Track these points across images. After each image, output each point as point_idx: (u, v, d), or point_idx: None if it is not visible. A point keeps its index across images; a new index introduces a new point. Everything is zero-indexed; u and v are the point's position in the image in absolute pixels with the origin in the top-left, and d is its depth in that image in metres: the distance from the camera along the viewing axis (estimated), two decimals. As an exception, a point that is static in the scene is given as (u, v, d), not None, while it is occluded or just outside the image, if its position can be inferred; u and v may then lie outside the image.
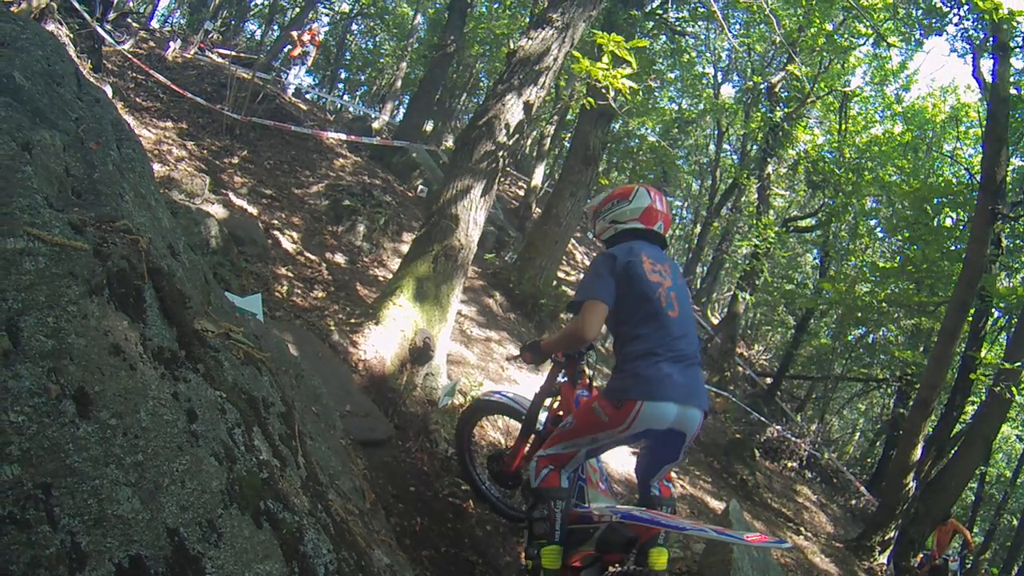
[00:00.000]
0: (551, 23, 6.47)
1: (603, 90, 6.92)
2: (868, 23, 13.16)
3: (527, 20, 18.31)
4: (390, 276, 7.74)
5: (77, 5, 11.57)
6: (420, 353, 5.95)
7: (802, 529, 10.66)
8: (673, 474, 6.04)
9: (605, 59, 6.68)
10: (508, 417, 4.94)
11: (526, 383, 8.20)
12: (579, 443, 3.46)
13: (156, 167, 8.73)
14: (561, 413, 4.06)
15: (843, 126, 18.70)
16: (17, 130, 2.14)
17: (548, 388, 4.30)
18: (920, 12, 13.84)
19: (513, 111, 6.16)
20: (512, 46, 6.57)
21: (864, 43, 16.45)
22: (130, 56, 13.53)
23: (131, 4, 29.13)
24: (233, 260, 6.79)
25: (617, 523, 3.29)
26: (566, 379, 4.16)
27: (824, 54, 16.36)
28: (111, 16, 15.79)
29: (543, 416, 4.30)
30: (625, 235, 3.62)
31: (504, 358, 8.52)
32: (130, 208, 2.46)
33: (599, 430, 3.33)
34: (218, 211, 7.76)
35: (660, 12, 13.15)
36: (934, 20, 13.44)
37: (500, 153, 6.16)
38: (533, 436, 4.34)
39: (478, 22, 21.39)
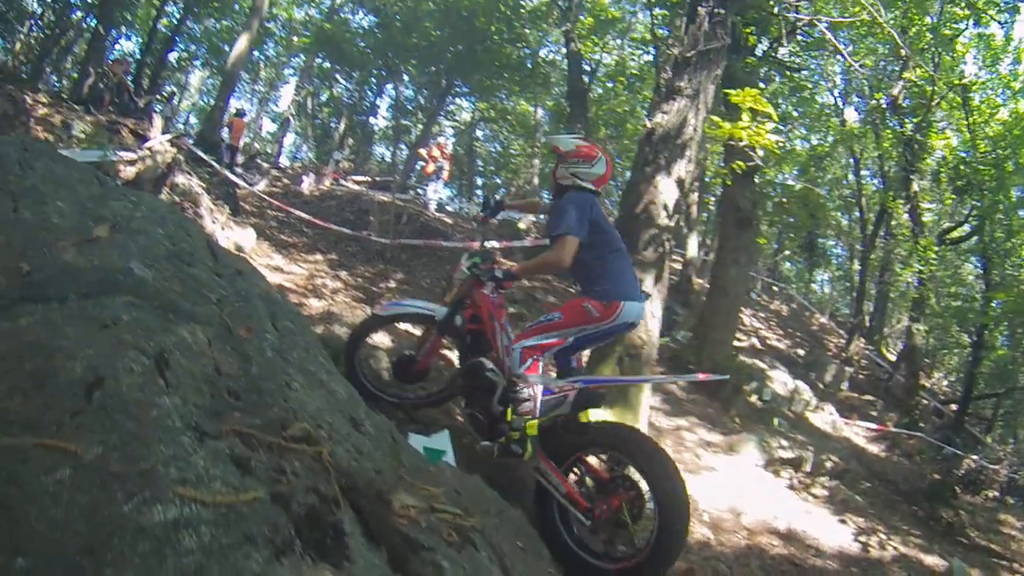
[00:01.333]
0: (681, 92, 6.27)
1: (747, 149, 6.64)
2: (963, 2, 12.43)
3: (648, 93, 18.28)
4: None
5: (203, 155, 12.20)
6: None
7: (1016, 565, 9.62)
8: (882, 535, 7.06)
9: (745, 117, 6.41)
10: (414, 322, 5.60)
11: (724, 474, 7.71)
12: (567, 332, 4.12)
13: (314, 302, 8.89)
14: (476, 314, 4.63)
15: (970, 120, 17.49)
16: (147, 337, 1.83)
17: (462, 297, 4.80)
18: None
19: (667, 191, 5.93)
20: (648, 124, 6.38)
21: (966, 27, 15.47)
22: (266, 196, 14.15)
23: (257, 146, 31.14)
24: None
25: (583, 388, 4.11)
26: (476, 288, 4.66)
27: (933, 50, 15.51)
28: (240, 159, 16.76)
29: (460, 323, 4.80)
30: (579, 188, 4.32)
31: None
32: (301, 397, 2.20)
33: (589, 323, 4.05)
34: (383, 340, 7.78)
35: (772, 55, 12.75)
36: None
37: (664, 237, 5.92)
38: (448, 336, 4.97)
39: (598, 105, 21.41)
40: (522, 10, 19.87)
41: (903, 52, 14.45)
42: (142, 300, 2.05)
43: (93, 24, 16.16)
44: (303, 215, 12.78)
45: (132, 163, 9.47)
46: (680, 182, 6.04)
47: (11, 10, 17.49)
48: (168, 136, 11.14)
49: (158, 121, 11.54)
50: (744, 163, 7.03)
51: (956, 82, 16.52)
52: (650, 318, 5.86)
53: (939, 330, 22.26)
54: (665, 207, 5.91)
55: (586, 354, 5.55)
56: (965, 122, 17.69)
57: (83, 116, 10.56)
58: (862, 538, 7.19)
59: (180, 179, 10.15)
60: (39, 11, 18.26)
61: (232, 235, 10.48)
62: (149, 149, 9.76)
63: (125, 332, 1.80)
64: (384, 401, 5.10)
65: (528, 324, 4.41)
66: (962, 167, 16.79)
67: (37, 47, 18.31)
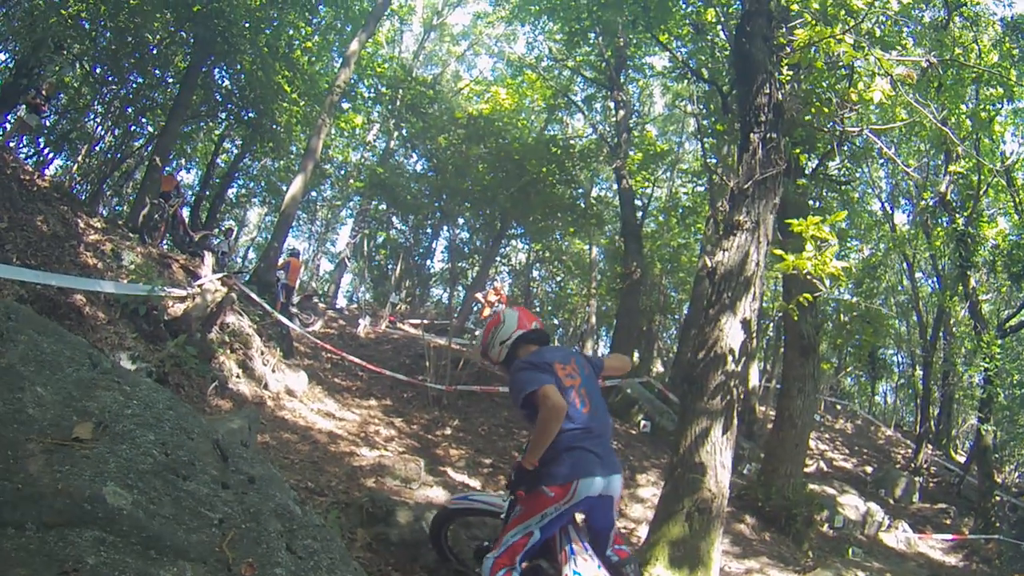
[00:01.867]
0: (741, 227, 6.06)
1: (810, 277, 6.31)
2: (998, 81, 12.28)
3: (700, 224, 18.23)
4: (633, 526, 7.05)
5: (255, 296, 12.20)
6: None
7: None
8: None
9: (808, 246, 6.12)
10: (482, 517, 5.11)
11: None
12: (530, 524, 3.90)
13: (365, 451, 8.62)
14: None
15: (1017, 200, 17.07)
16: None
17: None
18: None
19: (733, 333, 5.64)
20: (708, 263, 6.13)
21: (1002, 106, 15.25)
22: (317, 340, 14.11)
23: (314, 286, 31.66)
24: (463, 548, 6.31)
25: None
26: None
27: (973, 136, 15.28)
28: (296, 299, 16.88)
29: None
30: (516, 345, 4.27)
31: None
32: None
33: (547, 506, 3.83)
34: (438, 495, 7.41)
35: (823, 171, 12.59)
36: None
37: (732, 383, 5.58)
38: None
39: (652, 240, 21.51)
40: (572, 150, 20.19)
41: (952, 145, 14.33)
42: (115, 536, 1.75)
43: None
44: (356, 360, 12.70)
45: (181, 300, 9.49)
46: (746, 322, 5.75)
47: (74, 130, 18.25)
48: (220, 275, 11.21)
49: (209, 258, 11.63)
50: (811, 295, 6.71)
51: (999, 164, 16.21)
52: (720, 469, 5.46)
53: (1007, 421, 21.47)
54: (732, 351, 5.62)
55: (648, 514, 5.27)
56: (1012, 203, 17.44)
57: (135, 246, 10.63)
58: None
59: (231, 319, 10.17)
60: (102, 134, 19.03)
61: (284, 378, 10.40)
62: (199, 287, 9.79)
63: None
64: None
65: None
66: (1016, 251, 16.34)
67: (96, 170, 18.97)
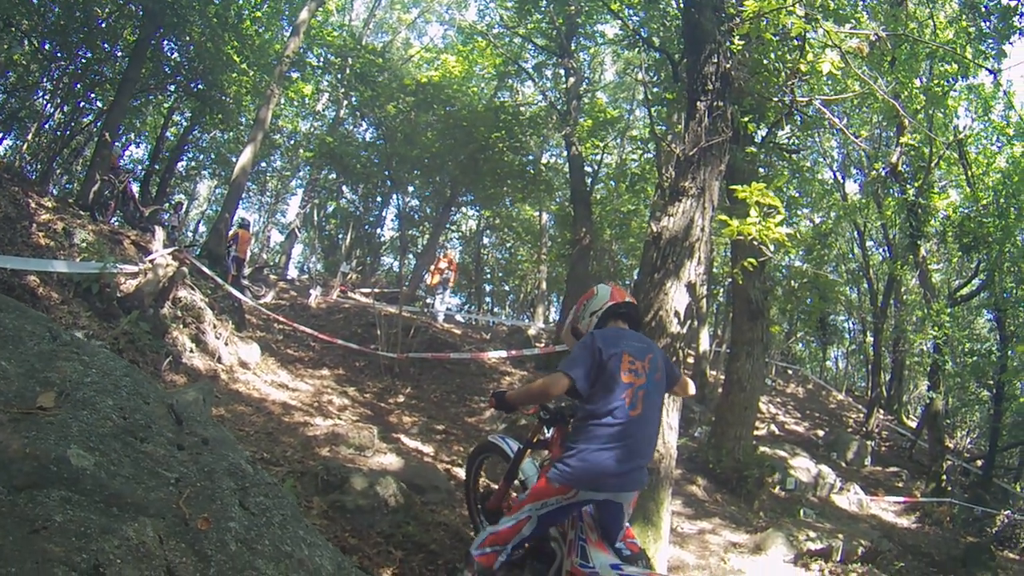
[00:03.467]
0: (686, 193, 6.15)
1: (755, 243, 6.46)
2: (952, 58, 12.55)
3: (650, 190, 18.35)
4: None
5: (207, 270, 12.12)
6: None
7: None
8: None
9: (753, 212, 6.25)
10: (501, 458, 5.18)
11: (752, 573, 7.31)
12: (530, 509, 3.83)
13: (319, 421, 8.66)
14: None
15: (969, 173, 17.55)
16: (79, 548, 1.58)
17: (530, 440, 4.67)
18: (991, 22, 13.06)
19: (677, 297, 5.74)
20: (653, 228, 6.23)
21: (956, 81, 15.58)
22: (269, 312, 14.05)
23: (265, 257, 31.33)
24: (417, 514, 6.39)
25: None
26: (552, 436, 4.43)
27: (926, 110, 15.65)
28: (247, 271, 16.75)
29: (529, 467, 4.69)
30: (605, 318, 4.18)
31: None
32: None
33: (548, 496, 3.75)
34: (392, 462, 7.48)
35: (772, 140, 12.75)
36: (1013, 17, 12.61)
37: (677, 344, 5.70)
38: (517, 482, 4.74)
39: (602, 206, 21.58)
40: (522, 117, 20.11)
41: (903, 119, 14.57)
42: (80, 495, 1.83)
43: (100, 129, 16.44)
44: (308, 330, 12.68)
45: (133, 276, 9.41)
46: (691, 286, 5.85)
47: (23, 109, 17.81)
48: (171, 249, 11.09)
49: (160, 233, 11.50)
50: (755, 260, 6.85)
51: (951, 138, 16.58)
52: (668, 430, 5.59)
53: (958, 388, 22.10)
54: (677, 314, 5.71)
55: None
56: (964, 177, 17.93)
57: (86, 224, 10.52)
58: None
59: (183, 293, 10.11)
60: (51, 111, 18.61)
61: (237, 351, 10.38)
62: (151, 262, 9.70)
63: (56, 540, 1.59)
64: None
65: None
66: (967, 223, 16.72)
67: (46, 148, 18.57)
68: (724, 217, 6.34)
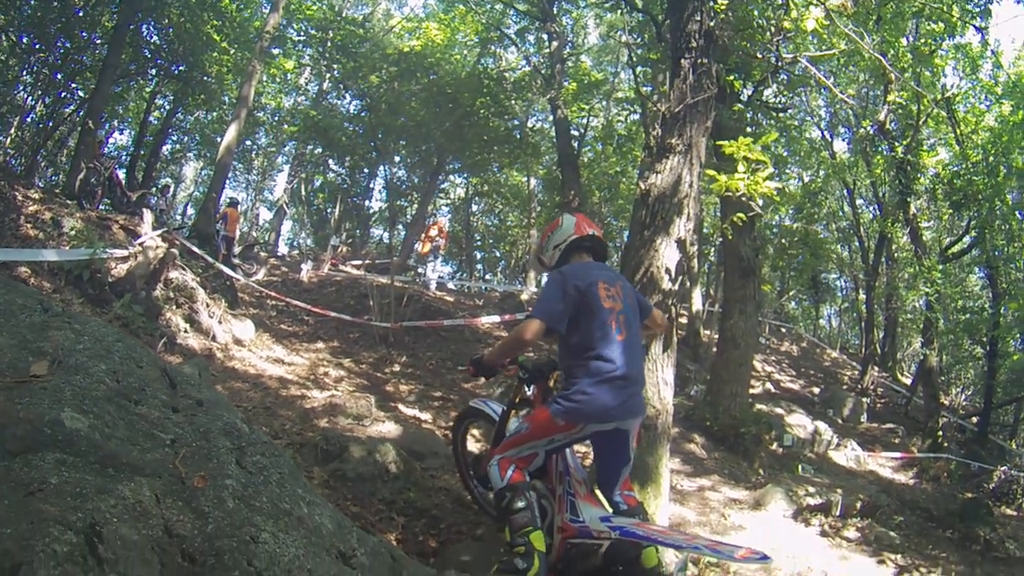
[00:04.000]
0: (673, 150, 6.11)
1: (745, 200, 6.47)
2: (938, 16, 12.46)
3: (637, 152, 18.27)
4: (586, 449, 7.21)
5: (197, 249, 12.10)
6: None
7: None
8: (922, 569, 6.62)
9: (740, 167, 6.25)
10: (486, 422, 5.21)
11: (753, 532, 7.38)
12: (536, 446, 3.82)
13: (316, 393, 8.69)
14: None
15: (958, 132, 17.51)
16: (77, 505, 1.59)
17: (513, 400, 4.61)
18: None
19: (668, 254, 5.73)
20: (642, 186, 6.21)
21: (943, 40, 15.52)
22: (261, 288, 14.06)
23: (255, 235, 31.22)
24: (417, 480, 6.44)
25: (618, 540, 3.59)
26: (533, 393, 4.37)
27: (913, 69, 15.55)
28: (237, 250, 16.74)
29: (515, 426, 4.44)
30: (569, 251, 4.14)
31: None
32: (271, 548, 1.97)
33: (554, 432, 3.73)
34: (390, 429, 7.52)
35: (758, 98, 12.70)
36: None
37: (670, 302, 5.70)
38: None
39: (590, 169, 21.44)
40: (506, 83, 19.99)
41: (890, 75, 14.49)
42: (75, 456, 1.83)
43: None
44: (301, 304, 12.68)
45: (124, 260, 9.39)
46: (681, 242, 5.84)
47: (4, 104, 17.66)
48: (159, 231, 11.06)
49: (149, 216, 11.47)
50: (744, 215, 6.85)
51: (939, 96, 16.52)
52: (663, 385, 5.60)
53: (952, 346, 22.23)
54: (668, 271, 5.71)
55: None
56: (953, 135, 17.83)
57: (74, 212, 10.50)
58: (903, 576, 6.88)
59: (174, 274, 10.10)
60: (32, 104, 18.46)
61: (231, 329, 10.40)
62: (140, 245, 9.69)
63: (51, 500, 1.59)
64: (481, 507, 5.26)
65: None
66: (956, 180, 16.73)
67: (29, 141, 18.44)
68: (712, 172, 6.33)
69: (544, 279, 22.21)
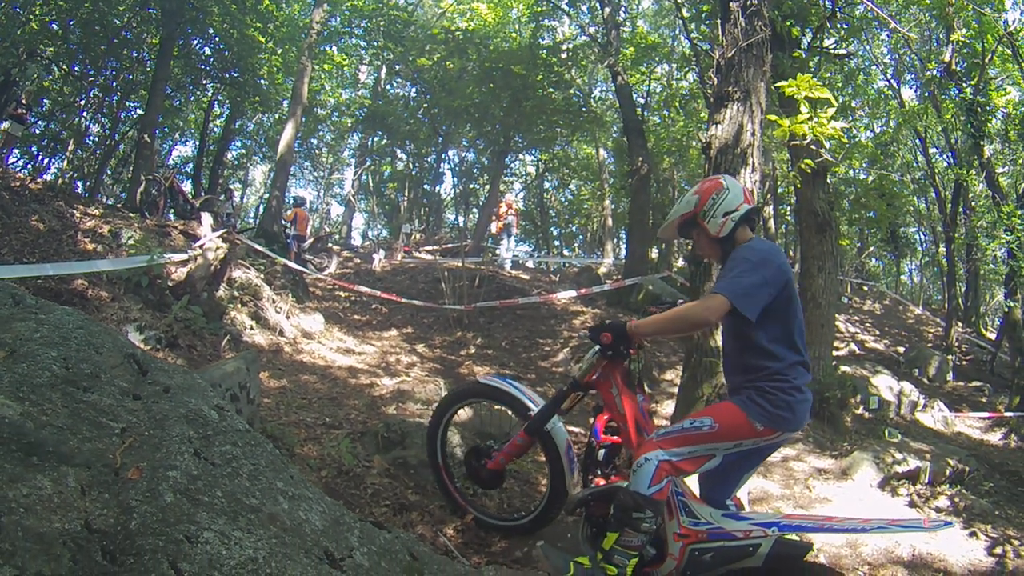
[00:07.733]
0: (731, 97, 5.80)
1: (811, 146, 6.07)
2: None
3: (704, 113, 17.79)
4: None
5: (259, 247, 12.17)
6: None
7: None
8: (1016, 541, 6.03)
9: (803, 108, 5.86)
10: (507, 409, 4.49)
11: (838, 504, 6.97)
12: (718, 447, 3.24)
13: (385, 380, 8.59)
14: (614, 422, 3.79)
15: None
16: None
17: (581, 383, 3.84)
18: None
19: (735, 208, 5.42)
20: (703, 138, 5.88)
21: None
22: (333, 279, 14.15)
23: (327, 229, 31.63)
24: (485, 464, 6.25)
25: (781, 539, 3.14)
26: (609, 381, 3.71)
27: (974, 9, 14.77)
28: (307, 245, 16.90)
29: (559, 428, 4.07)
30: (741, 223, 3.47)
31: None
32: (213, 549, 1.78)
33: (747, 436, 3.20)
34: (462, 414, 7.34)
35: (818, 45, 12.12)
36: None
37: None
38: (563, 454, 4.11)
39: (656, 135, 20.91)
40: (562, 53, 19.63)
41: (952, 17, 13.72)
42: None
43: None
44: (369, 290, 12.69)
45: (183, 264, 9.46)
46: (748, 194, 5.51)
47: (65, 130, 18.14)
48: (219, 232, 11.14)
49: (207, 219, 11.56)
50: (812, 161, 6.44)
51: (1001, 32, 15.65)
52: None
53: None
54: (736, 226, 5.40)
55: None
56: (1020, 71, 17.11)
57: (133, 224, 10.66)
58: (996, 550, 6.39)
59: (238, 273, 10.16)
60: (90, 126, 18.93)
61: (299, 322, 10.46)
62: (199, 248, 9.74)
63: None
64: (462, 510, 4.53)
65: (663, 429, 3.43)
66: None
67: (88, 163, 18.90)
68: (774, 117, 5.98)
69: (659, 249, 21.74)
